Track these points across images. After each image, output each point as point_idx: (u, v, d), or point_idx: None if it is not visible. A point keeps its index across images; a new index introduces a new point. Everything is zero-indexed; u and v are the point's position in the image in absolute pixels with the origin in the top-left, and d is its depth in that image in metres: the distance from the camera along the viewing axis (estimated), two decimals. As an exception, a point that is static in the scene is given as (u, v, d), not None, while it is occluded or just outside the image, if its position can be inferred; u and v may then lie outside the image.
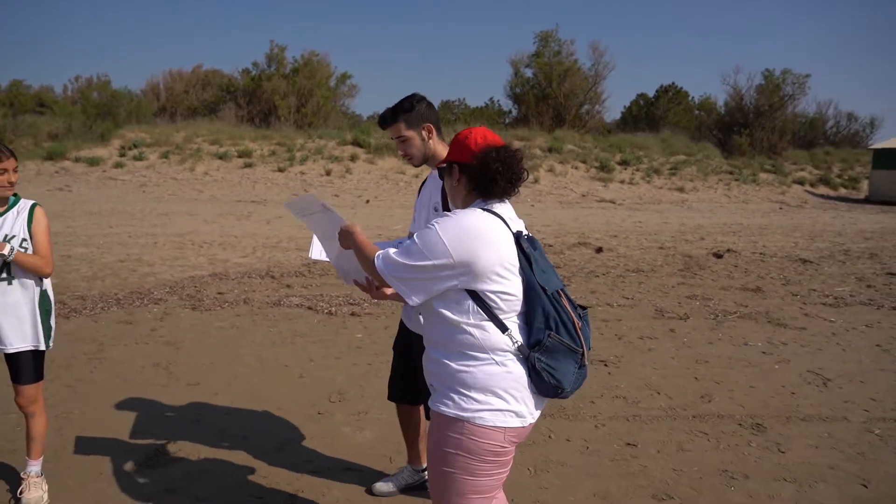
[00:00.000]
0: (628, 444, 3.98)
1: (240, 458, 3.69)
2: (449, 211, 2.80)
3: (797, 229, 14.42)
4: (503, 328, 2.05)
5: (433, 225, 2.04)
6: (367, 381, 4.87)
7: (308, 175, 20.97)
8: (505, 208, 2.16)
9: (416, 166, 3.06)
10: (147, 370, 5.03)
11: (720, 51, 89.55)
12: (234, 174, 20.88)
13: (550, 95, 30.35)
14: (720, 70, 73.14)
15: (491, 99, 39.72)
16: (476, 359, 2.04)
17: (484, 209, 2.11)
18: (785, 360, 5.57)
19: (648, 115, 34.78)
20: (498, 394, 2.03)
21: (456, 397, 2.05)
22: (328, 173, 21.13)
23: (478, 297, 2.02)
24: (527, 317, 2.09)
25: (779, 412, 4.47)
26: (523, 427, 2.08)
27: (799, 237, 13.16)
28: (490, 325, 2.03)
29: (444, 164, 2.27)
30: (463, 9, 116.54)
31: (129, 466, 3.57)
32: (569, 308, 2.11)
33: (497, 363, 2.04)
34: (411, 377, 3.17)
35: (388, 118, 2.92)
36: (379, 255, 2.12)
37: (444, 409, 2.07)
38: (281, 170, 21.23)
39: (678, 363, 5.49)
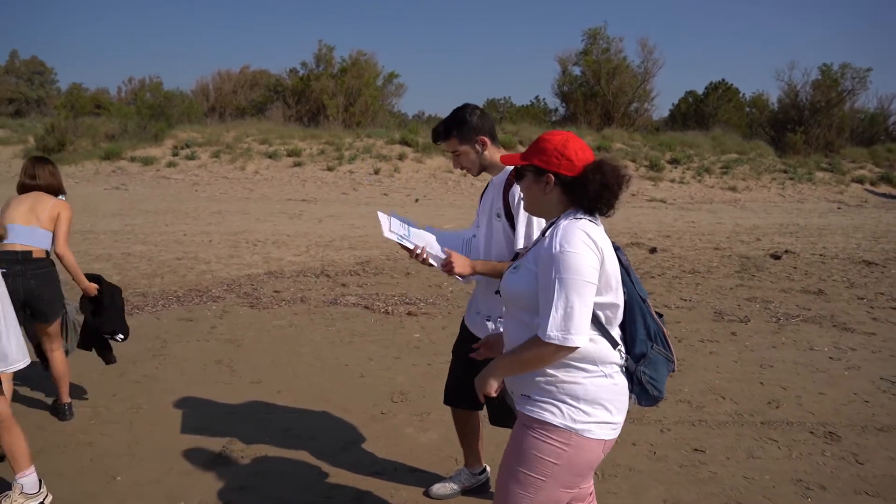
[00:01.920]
0: (696, 449, 3.90)
1: (306, 457, 3.73)
2: (511, 216, 2.81)
3: (859, 230, 13.94)
4: (614, 342, 2.02)
5: (558, 251, 1.90)
6: (427, 382, 4.87)
7: (357, 174, 21.12)
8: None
9: (475, 176, 3.07)
10: (210, 367, 5.12)
11: (772, 47, 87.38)
12: (284, 173, 21.16)
13: (599, 93, 29.97)
14: (772, 66, 71.33)
15: (536, 97, 39.47)
16: (586, 371, 1.99)
17: (587, 219, 2.02)
18: (855, 367, 5.38)
19: (698, 112, 34.04)
20: (605, 406, 2.00)
21: (564, 407, 1.99)
22: (377, 172, 21.24)
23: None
24: (628, 327, 2.06)
25: (853, 421, 4.32)
26: (615, 438, 2.07)
27: (861, 238, 12.72)
28: (601, 339, 1.99)
29: (525, 166, 2.12)
30: (510, 8, 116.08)
31: (199, 462, 3.63)
32: (656, 317, 2.11)
33: (606, 375, 2.00)
34: (470, 382, 3.15)
35: (440, 133, 2.93)
36: (545, 330, 1.89)
37: (550, 417, 2.00)
38: (330, 168, 21.43)
39: (741, 367, 5.36)
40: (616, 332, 2.05)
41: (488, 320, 3.00)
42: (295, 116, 28.81)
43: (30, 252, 3.94)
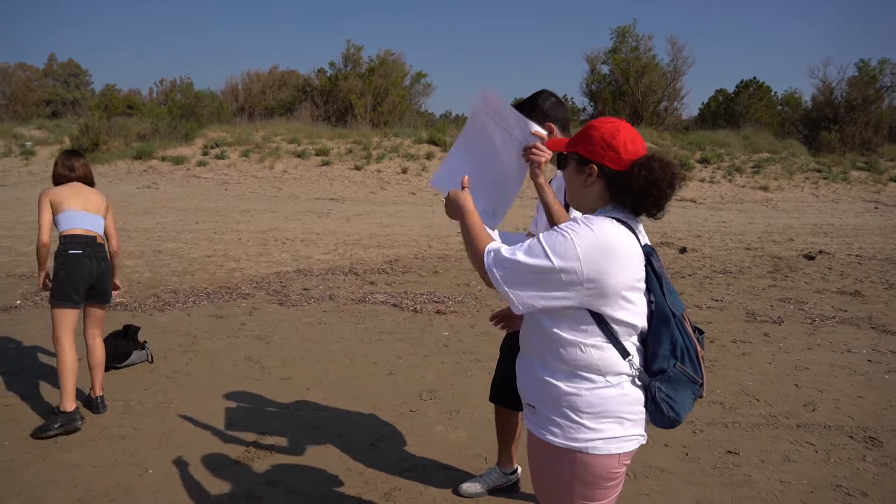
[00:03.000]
0: (729, 451, 3.82)
1: (335, 453, 3.73)
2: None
3: (896, 230, 13.62)
4: (624, 353, 1.83)
5: (565, 229, 1.77)
6: (457, 380, 4.85)
7: (384, 173, 21.19)
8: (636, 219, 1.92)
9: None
10: (240, 364, 5.15)
11: (806, 43, 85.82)
12: (312, 172, 21.30)
13: (627, 92, 29.67)
14: (806, 63, 70.02)
15: (565, 96, 39.14)
16: (590, 381, 1.82)
17: (618, 220, 1.84)
18: (895, 370, 5.24)
19: (728, 111, 33.54)
20: (612, 419, 1.82)
21: (564, 424, 1.83)
22: (404, 171, 21.29)
23: (601, 320, 1.79)
24: (650, 341, 1.87)
25: (895, 426, 4.20)
26: (635, 448, 1.90)
27: (899, 238, 12.42)
28: (610, 348, 1.81)
29: (569, 154, 1.96)
30: (538, 7, 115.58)
31: (229, 457, 3.65)
32: (692, 333, 1.89)
33: (613, 385, 1.82)
34: (514, 381, 3.11)
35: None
36: (490, 250, 1.86)
37: (550, 437, 1.86)
38: (358, 168, 21.53)
39: (776, 369, 5.25)
40: (630, 344, 1.85)
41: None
42: (323, 116, 28.99)
43: (95, 237, 4.24)
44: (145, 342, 5.21)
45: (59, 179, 4.35)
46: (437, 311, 6.62)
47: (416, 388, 4.69)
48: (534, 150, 2.26)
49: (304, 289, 7.52)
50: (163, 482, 3.39)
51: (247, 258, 9.22)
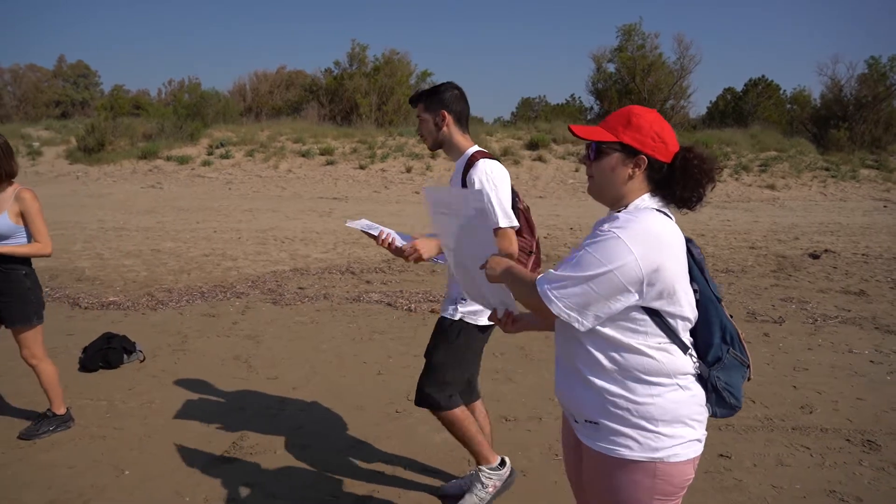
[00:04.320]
0: (721, 455, 3.72)
1: (316, 454, 3.65)
2: None
3: (904, 229, 13.42)
4: (684, 347, 1.77)
5: (610, 231, 1.67)
6: (444, 381, 4.76)
7: (389, 172, 21.13)
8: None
9: (430, 150, 3.02)
10: (228, 363, 5.09)
11: (815, 41, 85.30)
12: (317, 171, 21.26)
13: (634, 91, 29.50)
14: (815, 61, 69.49)
15: (572, 95, 38.99)
16: (661, 385, 1.74)
17: (659, 210, 1.78)
18: (897, 371, 5.12)
19: (736, 109, 33.25)
20: (686, 422, 1.75)
21: (639, 435, 1.74)
22: (409, 170, 21.21)
23: (658, 316, 1.72)
24: (701, 330, 1.81)
25: (894, 429, 4.08)
26: (701, 451, 1.82)
27: (907, 237, 12.23)
28: (673, 347, 1.75)
29: (611, 143, 1.80)
30: (544, 5, 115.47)
31: (207, 458, 3.58)
32: (730, 318, 1.86)
33: (682, 387, 1.75)
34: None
35: (413, 98, 2.96)
36: (540, 278, 1.74)
37: (627, 452, 1.75)
38: (362, 167, 21.47)
39: (774, 370, 5.13)
40: (686, 337, 1.80)
41: (454, 304, 2.93)
42: (328, 115, 28.97)
43: None
44: (134, 343, 5.15)
45: None
46: (432, 311, 6.54)
47: (405, 388, 4.60)
48: (411, 249, 2.70)
49: (300, 288, 7.46)
50: (138, 483, 3.32)
51: (244, 257, 9.17)
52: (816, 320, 6.49)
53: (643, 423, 1.73)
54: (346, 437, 3.86)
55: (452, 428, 3.03)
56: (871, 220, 15.05)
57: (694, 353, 1.80)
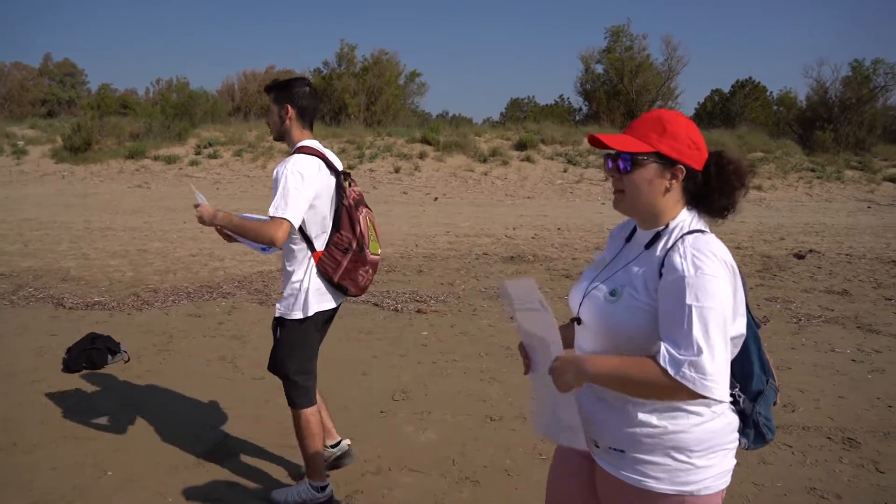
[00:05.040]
0: (705, 454, 3.74)
1: (299, 455, 3.63)
2: None
3: (889, 229, 13.53)
4: (732, 384, 1.64)
5: (701, 269, 1.51)
6: (431, 381, 4.77)
7: (377, 172, 21.11)
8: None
9: (274, 140, 3.12)
10: (213, 363, 5.07)
11: (801, 43, 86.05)
12: (304, 172, 21.20)
13: (622, 91, 29.66)
14: (801, 63, 70.12)
15: (560, 96, 39.16)
16: (697, 415, 1.60)
17: (708, 230, 1.66)
18: (879, 370, 5.17)
19: (724, 111, 33.52)
20: (719, 453, 1.64)
21: (671, 466, 1.60)
22: (397, 171, 21.21)
23: None
24: (741, 360, 1.69)
25: (874, 427, 4.12)
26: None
27: (892, 237, 12.33)
28: None
29: (647, 154, 1.64)
30: (534, 6, 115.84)
31: (191, 459, 3.58)
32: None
33: (718, 415, 1.63)
34: None
35: (267, 87, 3.07)
36: (668, 361, 1.47)
37: (655, 484, 1.62)
38: (351, 167, 21.42)
39: (758, 369, 5.16)
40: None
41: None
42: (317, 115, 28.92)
43: None
44: (119, 343, 5.12)
45: None
46: (419, 311, 6.54)
47: (390, 388, 4.61)
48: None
49: (286, 288, 7.43)
50: (120, 485, 3.31)
51: (231, 257, 9.13)
52: (800, 320, 6.54)
53: (675, 453, 1.60)
54: (331, 438, 3.85)
55: (299, 428, 3.11)
56: (856, 220, 15.19)
57: (733, 380, 1.66)
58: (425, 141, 23.30)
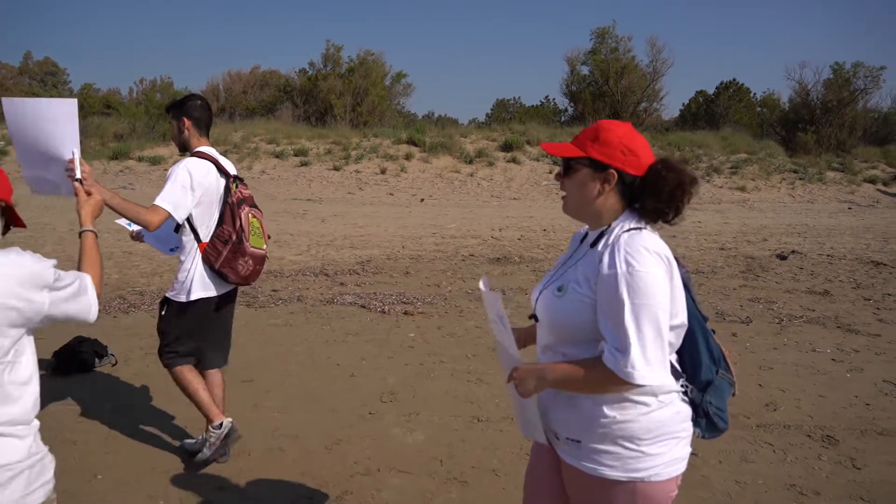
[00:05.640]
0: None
1: (289, 457, 3.67)
2: None
3: (869, 230, 13.75)
4: (677, 373, 1.76)
5: (632, 265, 1.61)
6: (418, 382, 4.81)
7: (363, 174, 21.10)
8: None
9: (179, 152, 3.55)
10: (202, 366, 5.07)
11: (784, 46, 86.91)
12: (291, 172, 21.16)
13: (607, 93, 29.81)
14: (783, 65, 70.82)
15: (546, 97, 39.35)
16: (644, 405, 1.70)
17: (648, 229, 1.75)
18: (857, 369, 5.28)
19: (708, 112, 33.81)
20: (669, 440, 1.73)
21: (622, 454, 1.71)
22: (383, 172, 21.22)
23: None
24: (688, 351, 1.80)
25: (852, 424, 4.22)
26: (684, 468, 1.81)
27: (871, 238, 12.54)
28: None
29: (579, 159, 1.78)
30: (519, 7, 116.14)
31: (181, 462, 3.59)
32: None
33: (666, 405, 1.72)
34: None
35: (167, 107, 3.56)
36: (617, 360, 1.60)
37: (608, 472, 1.72)
38: (336, 168, 21.42)
39: (740, 369, 5.23)
40: (674, 359, 1.80)
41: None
42: (302, 116, 28.85)
43: None
44: (106, 346, 5.12)
45: None
46: (405, 313, 6.58)
47: (377, 390, 4.64)
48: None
49: (273, 290, 7.45)
50: (111, 488, 3.32)
51: (218, 259, 9.11)
52: (782, 320, 6.65)
53: (625, 442, 1.70)
54: (320, 439, 3.88)
55: (178, 384, 3.57)
56: (837, 221, 15.41)
57: (679, 370, 1.79)
58: (411, 142, 23.33)
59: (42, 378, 1.93)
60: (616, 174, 1.74)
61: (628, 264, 1.61)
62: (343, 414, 4.25)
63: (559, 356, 1.79)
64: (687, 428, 1.78)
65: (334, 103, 27.73)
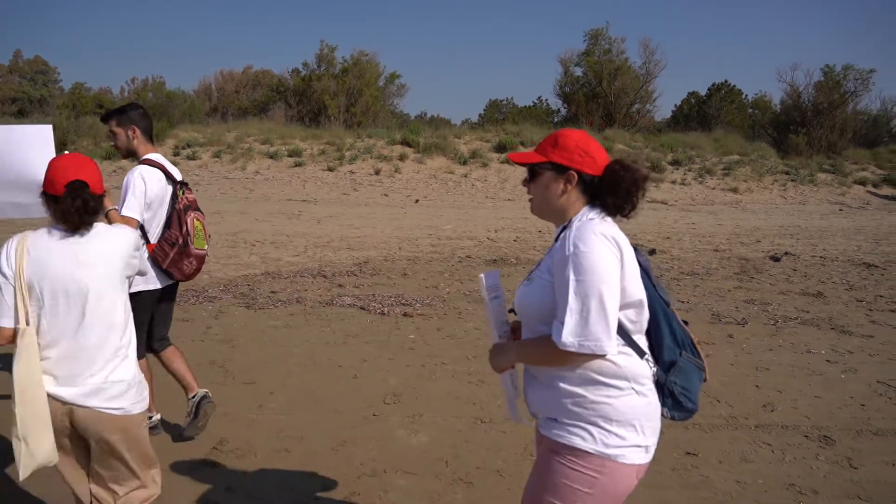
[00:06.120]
0: (688, 453, 3.87)
1: (296, 458, 3.71)
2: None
3: (860, 232, 13.89)
4: (640, 352, 1.87)
5: (578, 247, 1.77)
6: (420, 384, 4.85)
7: (357, 174, 21.11)
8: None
9: (123, 157, 3.79)
10: (204, 367, 5.10)
11: (775, 48, 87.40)
12: (285, 173, 21.15)
13: (600, 94, 29.92)
14: (775, 67, 71.24)
15: (539, 98, 39.39)
16: (616, 388, 1.83)
17: (602, 219, 1.90)
18: (852, 370, 5.36)
19: (700, 113, 34.00)
20: (637, 428, 1.85)
21: (594, 431, 1.84)
22: (377, 172, 21.23)
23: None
24: (653, 333, 1.93)
25: (848, 425, 4.29)
26: (648, 463, 1.92)
27: (862, 240, 12.68)
28: (629, 350, 1.86)
29: (541, 164, 1.96)
30: (513, 8, 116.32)
31: (188, 463, 3.62)
32: (682, 323, 1.99)
33: (637, 393, 1.85)
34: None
35: (105, 116, 3.68)
36: (558, 332, 1.76)
37: (580, 443, 1.84)
38: (331, 169, 21.42)
39: (737, 370, 5.33)
40: (642, 341, 1.91)
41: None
42: (296, 116, 28.82)
43: None
44: None
45: None
46: (405, 314, 6.62)
47: (380, 391, 4.68)
48: None
49: (272, 291, 7.47)
50: (118, 490, 3.34)
51: (215, 260, 9.13)
52: (777, 322, 6.73)
53: (599, 420, 1.84)
54: (325, 441, 3.91)
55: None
56: (828, 223, 15.55)
57: (651, 358, 1.91)
58: (405, 143, 23.35)
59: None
60: (576, 175, 1.92)
61: (575, 246, 1.77)
62: (346, 415, 4.28)
63: (534, 334, 1.95)
64: (657, 421, 1.91)
65: (328, 104, 27.70)
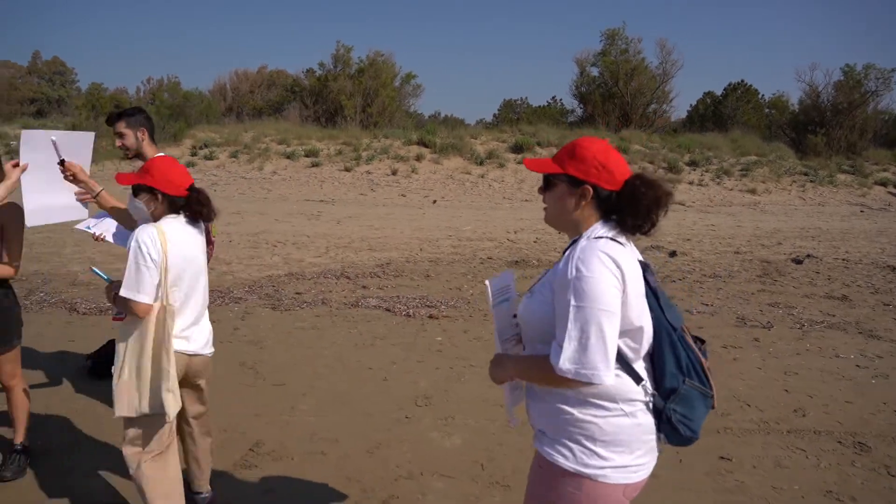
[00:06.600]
0: (722, 457, 3.87)
1: (331, 461, 3.74)
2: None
3: (883, 234, 13.76)
4: (637, 378, 1.83)
5: (580, 270, 1.73)
6: (450, 386, 4.87)
7: (374, 175, 21.16)
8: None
9: (129, 158, 3.81)
10: (234, 369, 5.15)
11: (793, 47, 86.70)
12: (302, 173, 21.22)
13: (617, 94, 29.80)
14: (793, 67, 70.69)
15: (553, 97, 39.35)
16: (604, 409, 1.82)
17: (612, 239, 1.83)
18: (883, 375, 5.32)
19: (716, 114, 33.78)
20: (624, 448, 1.83)
21: (576, 449, 1.84)
22: (394, 173, 21.26)
23: None
24: (655, 359, 1.87)
25: (882, 431, 4.27)
26: (643, 480, 1.89)
27: (886, 243, 12.55)
28: (622, 373, 1.81)
29: (557, 175, 1.91)
30: (528, 8, 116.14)
31: (225, 466, 3.65)
32: (693, 345, 1.90)
33: (626, 414, 1.82)
34: None
35: (113, 117, 3.73)
36: (556, 356, 1.74)
37: (561, 460, 1.85)
38: (347, 169, 21.47)
39: (766, 374, 5.31)
40: (640, 366, 1.86)
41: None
42: (312, 117, 28.92)
43: None
44: None
45: None
46: (430, 316, 6.64)
47: (410, 393, 4.71)
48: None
49: (297, 293, 7.52)
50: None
51: (238, 261, 9.20)
52: (803, 325, 6.69)
53: (582, 439, 1.83)
54: (360, 443, 3.94)
55: None
56: (850, 225, 15.41)
57: (648, 384, 1.86)
58: (421, 143, 23.36)
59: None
60: (591, 189, 1.86)
61: (577, 269, 1.74)
62: (378, 418, 4.31)
63: (531, 351, 1.96)
64: (649, 440, 1.87)
65: (344, 104, 27.78)
